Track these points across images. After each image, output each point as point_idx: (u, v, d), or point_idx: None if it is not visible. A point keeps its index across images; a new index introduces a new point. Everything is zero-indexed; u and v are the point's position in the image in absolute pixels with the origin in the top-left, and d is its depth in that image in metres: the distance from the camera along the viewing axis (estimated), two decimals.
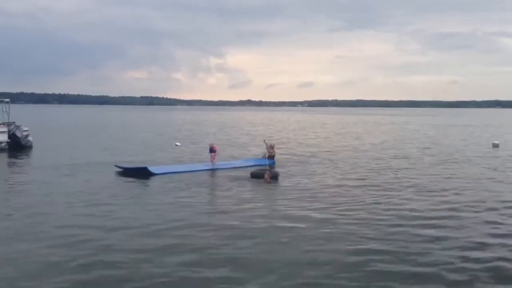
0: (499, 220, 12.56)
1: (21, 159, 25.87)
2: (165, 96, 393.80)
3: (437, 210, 13.68)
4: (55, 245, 10.05)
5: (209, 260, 9.28)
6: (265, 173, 18.71)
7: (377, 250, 9.90)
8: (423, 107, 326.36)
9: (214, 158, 22.08)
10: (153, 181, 18.73)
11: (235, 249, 9.97)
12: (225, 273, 8.64)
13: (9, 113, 32.23)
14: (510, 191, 16.71)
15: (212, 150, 22.35)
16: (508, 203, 14.60)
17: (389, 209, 13.63)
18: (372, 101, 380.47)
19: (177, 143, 35.22)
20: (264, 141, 25.72)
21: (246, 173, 19.81)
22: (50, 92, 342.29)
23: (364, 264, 9.15)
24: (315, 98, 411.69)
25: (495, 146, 34.47)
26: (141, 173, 19.82)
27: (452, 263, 9.20)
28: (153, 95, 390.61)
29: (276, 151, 25.13)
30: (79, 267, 8.82)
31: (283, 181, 18.60)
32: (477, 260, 9.38)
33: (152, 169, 20.18)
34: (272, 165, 22.31)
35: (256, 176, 18.87)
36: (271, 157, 23.85)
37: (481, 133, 52.63)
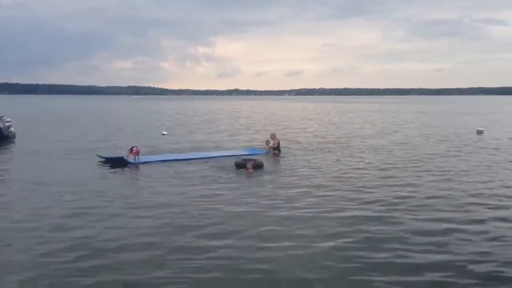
0: None
1: (2, 149, 25.53)
2: (152, 86, 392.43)
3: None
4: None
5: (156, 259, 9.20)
6: (248, 162, 18.58)
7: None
8: (409, 94, 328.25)
9: (133, 155, 20.42)
10: (129, 171, 18.76)
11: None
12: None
13: None
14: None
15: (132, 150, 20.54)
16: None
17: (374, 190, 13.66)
18: (358, 89, 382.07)
19: (164, 132, 35.06)
20: (267, 142, 24.68)
21: (231, 163, 19.66)
22: (38, 82, 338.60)
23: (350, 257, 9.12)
24: (302, 87, 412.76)
25: (480, 133, 34.76)
26: (118, 162, 19.84)
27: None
28: (141, 85, 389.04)
29: (278, 137, 24.80)
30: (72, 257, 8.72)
31: (268, 172, 18.47)
32: None
33: (128, 158, 20.14)
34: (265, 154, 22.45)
35: (240, 166, 18.73)
36: (275, 148, 23.69)
37: (467, 120, 53.03)
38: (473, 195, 14.03)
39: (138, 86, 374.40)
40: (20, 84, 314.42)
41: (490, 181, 16.33)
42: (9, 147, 26.86)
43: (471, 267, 8.47)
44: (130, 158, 20.18)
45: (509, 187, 15.27)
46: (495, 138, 31.06)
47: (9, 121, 31.50)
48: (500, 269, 8.37)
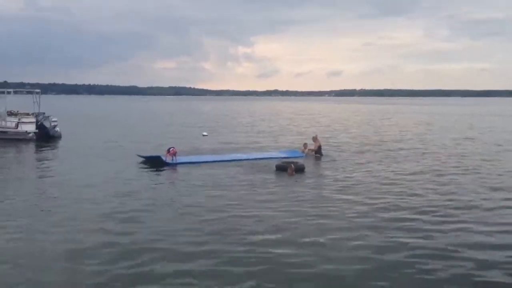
0: None
1: (47, 149, 26.19)
2: (193, 86, 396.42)
3: None
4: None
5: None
6: (289, 166, 18.38)
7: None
8: (453, 96, 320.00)
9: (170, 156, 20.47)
10: (166, 172, 18.90)
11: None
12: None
13: (39, 103, 32.93)
14: None
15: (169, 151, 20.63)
16: None
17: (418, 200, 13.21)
18: (399, 90, 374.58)
19: (204, 133, 35.20)
20: (304, 145, 24.25)
21: (271, 165, 19.47)
22: (80, 83, 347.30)
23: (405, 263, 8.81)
24: (342, 88, 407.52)
25: None
26: (156, 162, 20.04)
27: None
28: (181, 85, 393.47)
29: (320, 140, 24.40)
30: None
31: (310, 175, 18.25)
32: None
33: (166, 159, 20.26)
34: (300, 158, 22.06)
35: (281, 168, 18.55)
36: (317, 151, 23.29)
37: None
38: None
39: (179, 87, 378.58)
40: (66, 84, 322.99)
41: None
42: (56, 146, 27.52)
43: None
44: (168, 159, 20.30)
45: None
46: None
47: (55, 121, 32.34)
48: None
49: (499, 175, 18.08)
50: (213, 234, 10.38)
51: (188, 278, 8.08)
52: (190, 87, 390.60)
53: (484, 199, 13.96)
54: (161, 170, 19.03)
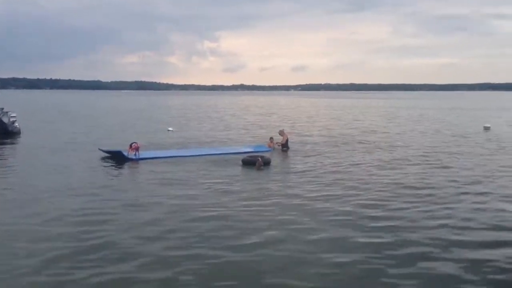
0: None
1: (5, 145, 25.26)
2: (158, 81, 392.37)
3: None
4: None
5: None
6: (257, 159, 18.28)
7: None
8: (417, 90, 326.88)
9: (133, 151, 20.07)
10: (128, 167, 18.50)
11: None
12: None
13: None
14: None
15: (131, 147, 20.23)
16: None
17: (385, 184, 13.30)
18: (365, 84, 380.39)
19: (170, 128, 34.72)
20: (271, 139, 24.16)
21: (237, 160, 19.32)
22: (42, 77, 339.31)
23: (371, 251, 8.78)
24: (308, 82, 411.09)
25: (486, 129, 34.46)
26: (118, 157, 19.69)
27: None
28: (146, 80, 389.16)
29: (288, 135, 24.26)
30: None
31: (275, 168, 18.24)
32: None
33: (128, 154, 19.89)
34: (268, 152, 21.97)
35: (248, 163, 18.42)
36: (283, 145, 23.23)
37: (473, 116, 52.48)
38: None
39: (144, 81, 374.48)
40: (27, 79, 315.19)
41: None
42: (14, 142, 26.64)
43: None
44: (130, 154, 19.89)
45: None
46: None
47: (14, 116, 31.27)
48: None
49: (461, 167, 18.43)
50: (176, 233, 9.98)
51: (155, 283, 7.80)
52: (154, 82, 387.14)
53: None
54: (123, 166, 18.60)
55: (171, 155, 21.08)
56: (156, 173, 16.77)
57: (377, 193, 13.80)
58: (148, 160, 19.58)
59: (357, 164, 18.96)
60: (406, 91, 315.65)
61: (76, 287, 7.46)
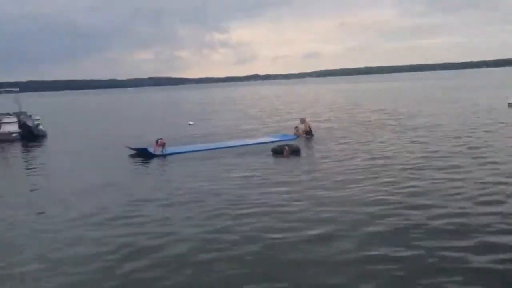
0: None
1: (33, 148, 25.61)
2: (172, 76, 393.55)
3: None
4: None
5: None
6: (284, 148, 18.24)
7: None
8: (434, 70, 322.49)
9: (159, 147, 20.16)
10: (157, 164, 18.50)
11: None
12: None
13: (19, 102, 32.17)
14: None
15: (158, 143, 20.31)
16: None
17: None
18: (381, 67, 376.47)
19: (190, 122, 34.74)
20: (296, 128, 24.02)
21: (264, 150, 19.23)
22: (58, 78, 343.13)
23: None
24: (323, 68, 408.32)
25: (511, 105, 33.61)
26: (145, 154, 19.71)
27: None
28: (160, 76, 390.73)
29: (310, 123, 24.15)
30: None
31: (305, 156, 18.13)
32: None
33: (154, 150, 19.91)
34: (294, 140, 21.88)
35: (277, 152, 18.36)
36: (307, 132, 23.23)
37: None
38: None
39: (158, 77, 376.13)
40: (45, 81, 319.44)
41: None
42: (41, 144, 26.93)
43: None
44: (156, 151, 19.91)
45: None
46: None
47: (38, 119, 31.62)
48: None
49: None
50: (225, 234, 9.57)
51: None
52: (169, 77, 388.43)
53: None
54: (152, 163, 18.63)
55: (198, 149, 20.99)
56: (187, 169, 16.68)
57: (416, 178, 13.42)
58: (175, 155, 19.58)
59: (392, 150, 18.60)
60: (423, 71, 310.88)
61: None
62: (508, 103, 34.30)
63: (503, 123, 24.66)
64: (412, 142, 19.76)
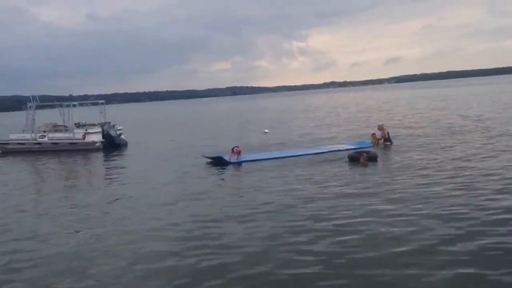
0: None
1: (115, 156, 26.61)
2: (249, 85, 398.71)
3: None
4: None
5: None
6: (361, 155, 17.66)
7: None
8: None
9: (235, 155, 20.09)
10: (233, 171, 18.51)
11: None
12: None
13: (105, 113, 33.95)
14: None
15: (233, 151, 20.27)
16: None
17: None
18: (463, 71, 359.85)
19: (266, 130, 34.73)
20: (373, 134, 23.37)
21: (343, 157, 18.70)
22: (140, 90, 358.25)
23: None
24: (402, 74, 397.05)
25: None
26: (221, 162, 19.84)
27: None
28: (238, 85, 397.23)
29: (388, 129, 23.38)
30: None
31: (383, 163, 17.47)
32: None
33: (230, 158, 19.97)
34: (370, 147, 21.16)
35: (353, 159, 17.79)
36: (386, 139, 22.52)
37: None
38: None
39: (236, 87, 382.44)
40: (128, 93, 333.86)
41: None
42: (123, 153, 27.92)
43: None
44: (232, 158, 19.91)
45: None
46: None
47: (121, 129, 33.02)
48: None
49: None
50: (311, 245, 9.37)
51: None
52: (246, 86, 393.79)
53: None
54: (227, 170, 18.66)
55: (273, 156, 20.84)
56: (263, 176, 16.55)
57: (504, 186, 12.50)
58: (251, 163, 19.51)
59: (474, 154, 17.57)
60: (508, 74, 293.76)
61: None
62: None
63: None
64: (504, 151, 18.17)
